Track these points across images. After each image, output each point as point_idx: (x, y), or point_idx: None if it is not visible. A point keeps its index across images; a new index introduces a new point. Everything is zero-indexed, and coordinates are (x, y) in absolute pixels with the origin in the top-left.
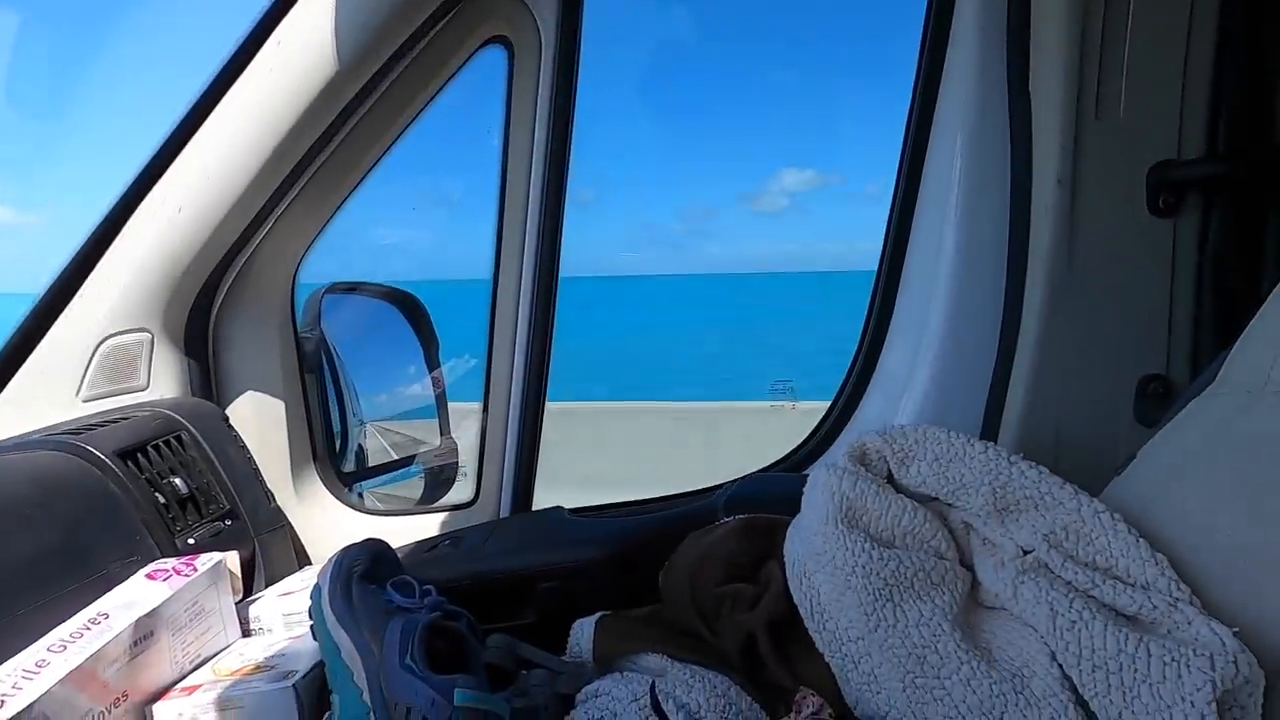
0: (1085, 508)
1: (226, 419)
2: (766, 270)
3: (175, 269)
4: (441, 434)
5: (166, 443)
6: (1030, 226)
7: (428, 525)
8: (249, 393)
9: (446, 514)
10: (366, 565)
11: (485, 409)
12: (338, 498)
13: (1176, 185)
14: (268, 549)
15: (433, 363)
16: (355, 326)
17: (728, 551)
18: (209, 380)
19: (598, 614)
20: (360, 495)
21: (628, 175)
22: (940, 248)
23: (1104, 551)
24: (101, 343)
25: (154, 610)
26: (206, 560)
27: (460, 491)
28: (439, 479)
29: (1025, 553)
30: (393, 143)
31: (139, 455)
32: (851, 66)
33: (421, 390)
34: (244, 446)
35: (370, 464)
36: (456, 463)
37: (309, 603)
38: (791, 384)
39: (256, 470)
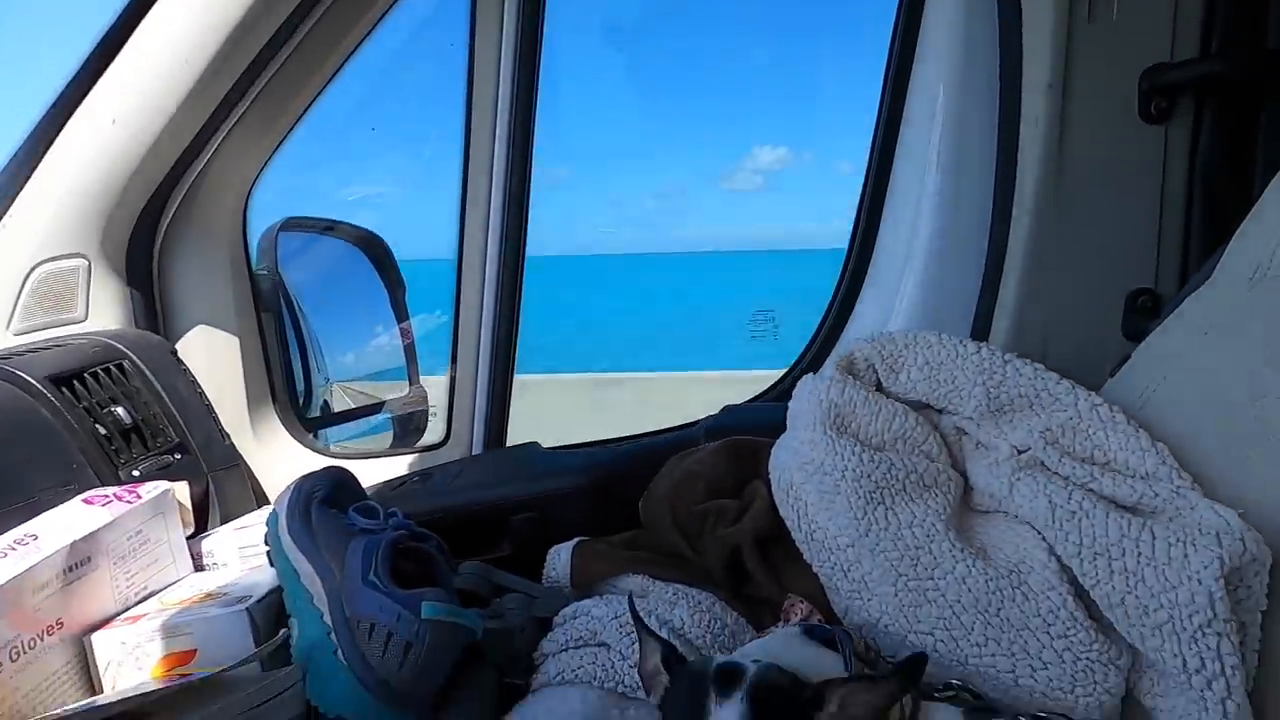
0: (1082, 402)
1: (174, 352)
2: (739, 249)
3: (111, 189)
4: (411, 383)
5: (106, 371)
6: (1019, 135)
7: (397, 467)
8: (200, 328)
9: (416, 455)
10: (327, 491)
11: (454, 344)
12: (299, 441)
13: (1169, 89)
14: (223, 486)
15: (399, 308)
16: (316, 268)
17: (710, 470)
18: (155, 313)
19: (575, 539)
20: (326, 444)
21: (602, 154)
22: (928, 157)
23: (1102, 446)
24: (33, 269)
25: (91, 535)
26: (151, 489)
27: (432, 436)
28: (409, 428)
29: (1020, 452)
30: (343, 63)
31: (75, 382)
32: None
33: (388, 337)
34: (194, 381)
35: (336, 410)
36: (426, 410)
37: (265, 532)
38: (774, 314)
39: (209, 406)
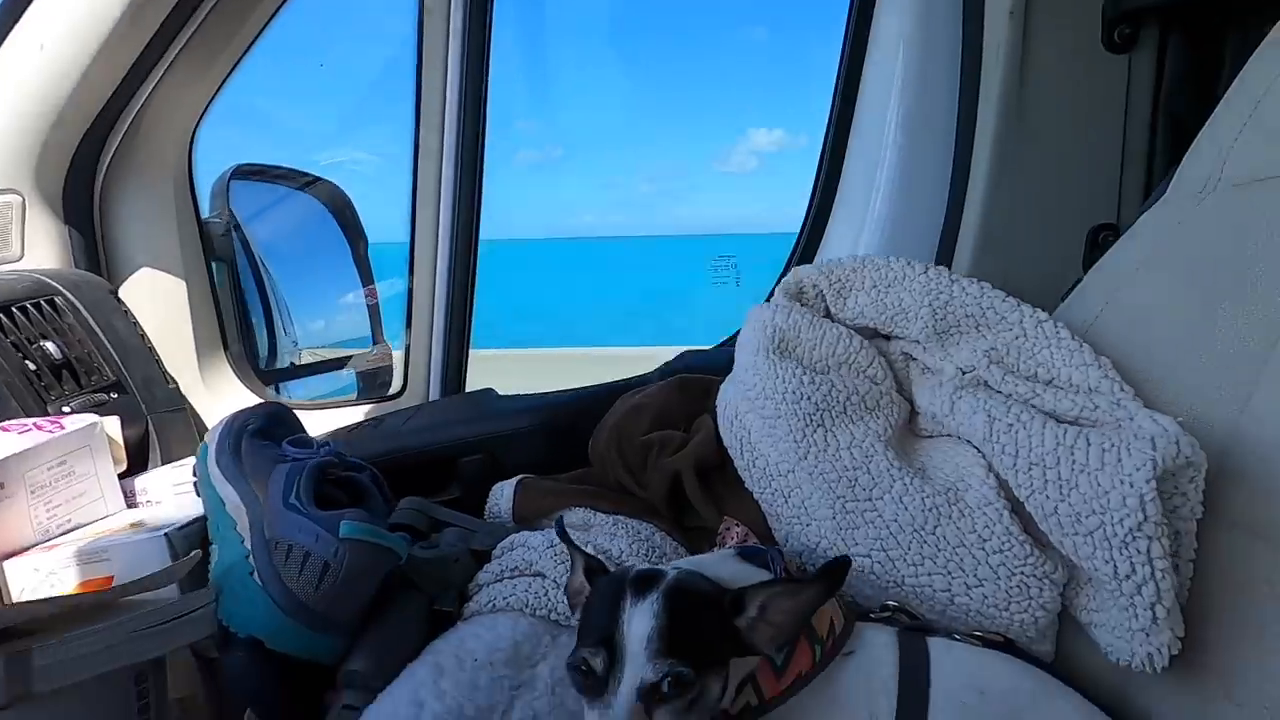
0: (1027, 319)
1: (115, 293)
2: (733, 232)
3: (42, 120)
4: (375, 341)
5: (37, 306)
6: (981, 62)
7: (354, 417)
8: (145, 271)
9: (371, 405)
10: (262, 424)
11: (410, 291)
12: (255, 393)
13: (1133, 16)
14: (165, 430)
15: (361, 262)
16: (273, 219)
17: (657, 403)
18: (96, 253)
19: (519, 476)
20: (288, 398)
21: (597, 135)
22: (892, 84)
23: (1046, 364)
24: None
25: (3, 460)
26: (78, 420)
27: (392, 390)
28: (374, 385)
29: (964, 373)
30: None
31: (3, 316)
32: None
33: (351, 292)
34: (135, 323)
35: (295, 364)
36: (391, 368)
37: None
38: (734, 260)
39: (151, 348)
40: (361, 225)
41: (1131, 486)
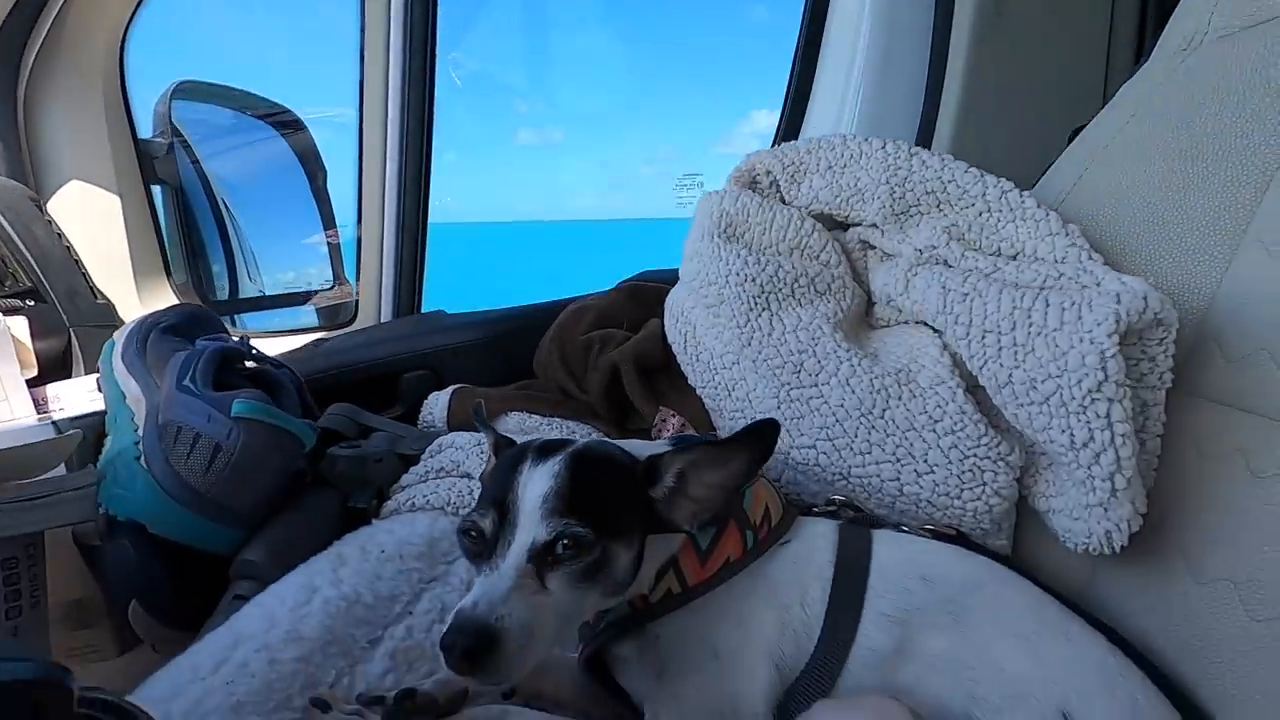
0: (990, 190)
1: (37, 202)
2: None
3: None
4: (336, 280)
5: None
6: None
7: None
8: (75, 184)
9: (322, 334)
10: (175, 321)
11: (359, 210)
12: None
13: None
14: (91, 344)
15: (320, 195)
16: (223, 145)
17: (602, 305)
18: (21, 162)
19: (455, 385)
20: (241, 329)
21: (597, 117)
22: None
23: (1010, 238)
24: None
25: None
26: None
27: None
28: (335, 322)
29: (923, 253)
30: None
31: None
32: None
33: (309, 227)
34: (60, 234)
35: (254, 297)
36: (355, 304)
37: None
38: (701, 178)
39: (77, 261)
40: (320, 156)
41: (1091, 343)
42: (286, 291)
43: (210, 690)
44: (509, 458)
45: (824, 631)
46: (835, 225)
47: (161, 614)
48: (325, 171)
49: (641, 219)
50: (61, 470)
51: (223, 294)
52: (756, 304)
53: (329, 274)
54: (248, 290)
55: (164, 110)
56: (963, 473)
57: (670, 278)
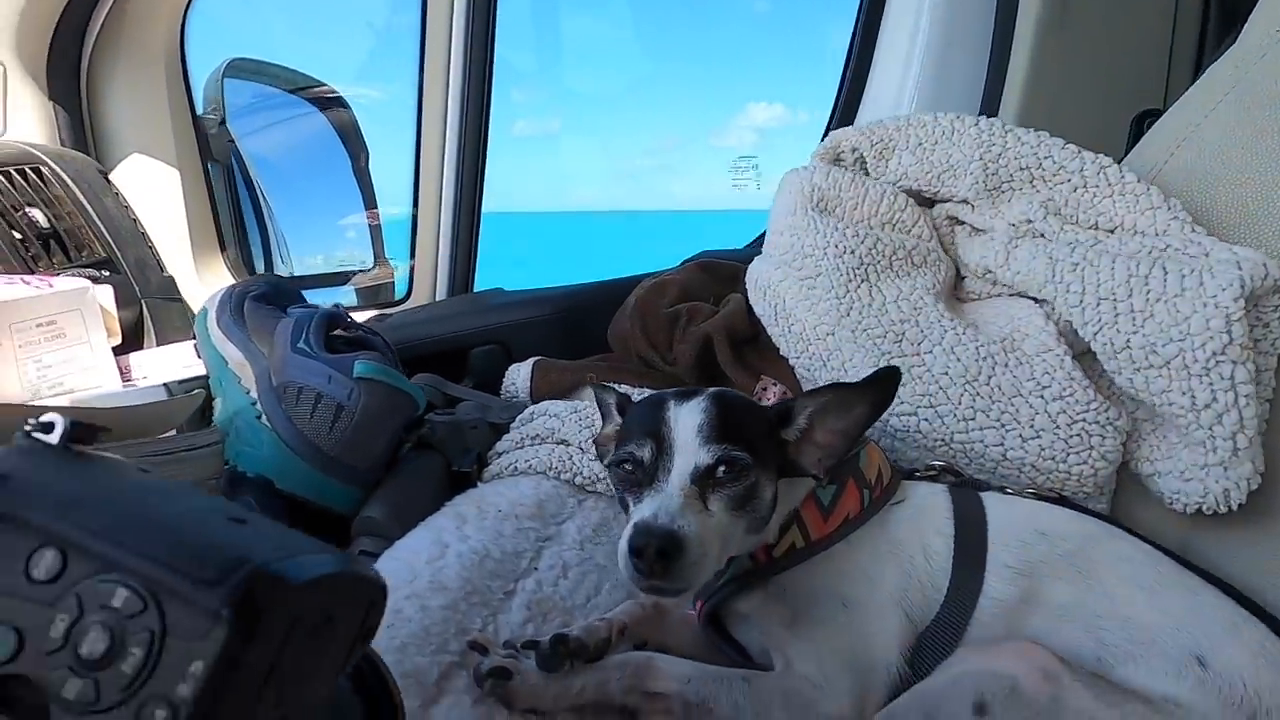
0: (1089, 166)
1: (105, 174)
2: (731, 208)
3: None
4: (377, 261)
5: (22, 174)
6: None
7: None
8: (136, 157)
9: (375, 311)
10: (264, 289)
11: (416, 187)
12: None
13: None
14: (160, 318)
15: (362, 174)
16: (269, 124)
17: (682, 280)
18: (84, 135)
19: (535, 357)
20: None
21: (594, 107)
22: None
23: (1108, 213)
24: None
25: None
26: (69, 283)
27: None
28: (376, 303)
29: (1019, 226)
30: None
31: None
32: None
33: (351, 206)
34: (127, 205)
35: (294, 274)
36: (393, 285)
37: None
38: (756, 161)
39: (144, 233)
40: (362, 137)
41: (1216, 308)
42: (327, 272)
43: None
44: (649, 401)
45: (951, 583)
46: (922, 202)
47: None
48: (367, 151)
49: (642, 210)
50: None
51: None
52: (855, 276)
53: (368, 255)
54: (280, 263)
55: (217, 89)
56: (1070, 437)
57: (734, 257)
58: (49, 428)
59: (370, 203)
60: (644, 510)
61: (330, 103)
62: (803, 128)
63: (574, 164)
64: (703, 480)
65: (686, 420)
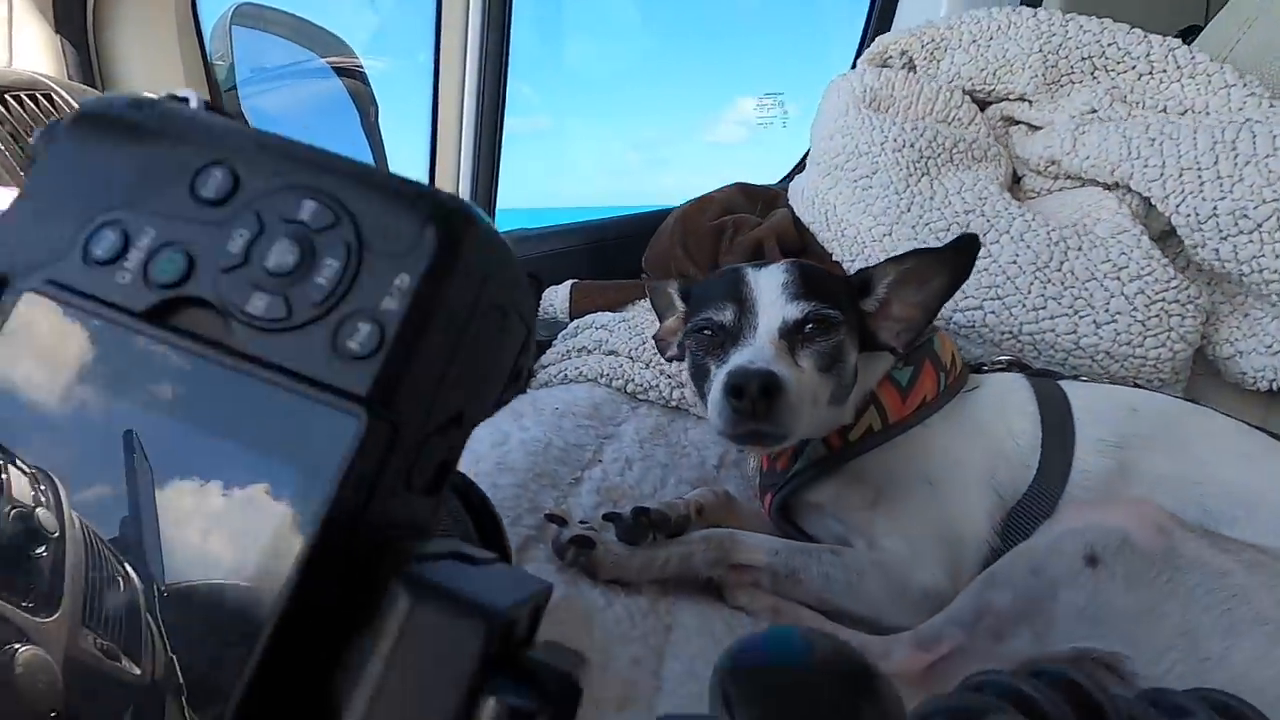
0: (1156, 49)
1: None
2: None
3: None
4: None
5: (33, 98)
6: None
7: None
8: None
9: None
10: None
11: (434, 120)
12: None
13: None
14: None
15: (372, 130)
16: (277, 74)
17: (724, 197)
18: (92, 73)
19: (571, 280)
20: None
21: (583, 102)
22: None
23: (1176, 95)
24: None
25: None
26: None
27: None
28: None
29: (1084, 115)
30: None
31: None
32: None
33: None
34: None
35: None
36: None
37: None
38: (782, 96)
39: None
40: (372, 91)
41: None
42: None
43: None
44: (723, 273)
45: (1041, 458)
46: (974, 103)
47: None
48: (377, 106)
49: (634, 207)
50: None
51: None
52: (916, 169)
53: None
54: None
55: (225, 34)
56: (1148, 319)
57: (768, 187)
58: (185, 100)
59: (382, 160)
60: (739, 357)
61: (335, 48)
62: (793, 120)
63: (563, 160)
64: (791, 335)
65: (769, 281)
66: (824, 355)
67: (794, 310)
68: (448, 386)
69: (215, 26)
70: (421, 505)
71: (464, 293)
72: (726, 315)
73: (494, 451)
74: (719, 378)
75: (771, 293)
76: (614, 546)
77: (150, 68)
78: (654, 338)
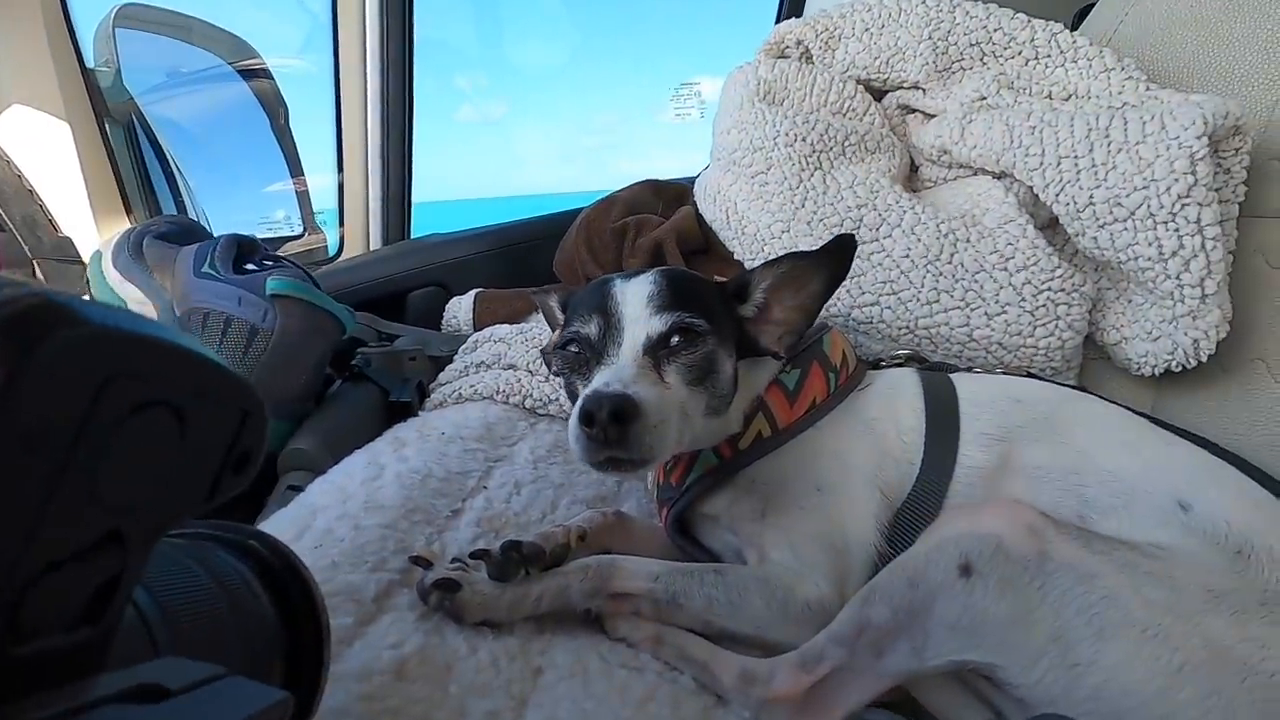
0: (1040, 34)
1: None
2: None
3: None
4: (306, 227)
5: None
6: None
7: None
8: (18, 109)
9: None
10: (167, 230)
11: (338, 135)
12: None
13: None
14: (56, 279)
15: (284, 135)
16: (170, 76)
17: (629, 196)
18: None
19: (476, 289)
20: None
21: (538, 88)
22: None
23: (1060, 81)
24: None
25: None
26: None
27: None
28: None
29: (973, 102)
30: None
31: None
32: None
33: (270, 168)
34: (8, 160)
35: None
36: (327, 247)
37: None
38: (699, 85)
39: (31, 190)
40: (280, 93)
41: (1180, 147)
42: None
43: (300, 553)
44: (593, 284)
45: (925, 454)
46: (871, 93)
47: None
48: (286, 108)
49: (594, 191)
50: None
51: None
52: (808, 164)
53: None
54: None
55: (107, 38)
56: (1036, 309)
57: (680, 181)
58: None
59: (296, 166)
60: (598, 380)
61: (238, 50)
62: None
63: (520, 147)
64: (656, 350)
65: (635, 293)
66: (692, 368)
67: (658, 324)
68: (70, 507)
69: (97, 31)
70: (70, 640)
71: (54, 404)
72: (591, 331)
73: (364, 488)
74: (576, 405)
75: (637, 306)
76: (482, 586)
77: (19, 78)
78: (542, 352)
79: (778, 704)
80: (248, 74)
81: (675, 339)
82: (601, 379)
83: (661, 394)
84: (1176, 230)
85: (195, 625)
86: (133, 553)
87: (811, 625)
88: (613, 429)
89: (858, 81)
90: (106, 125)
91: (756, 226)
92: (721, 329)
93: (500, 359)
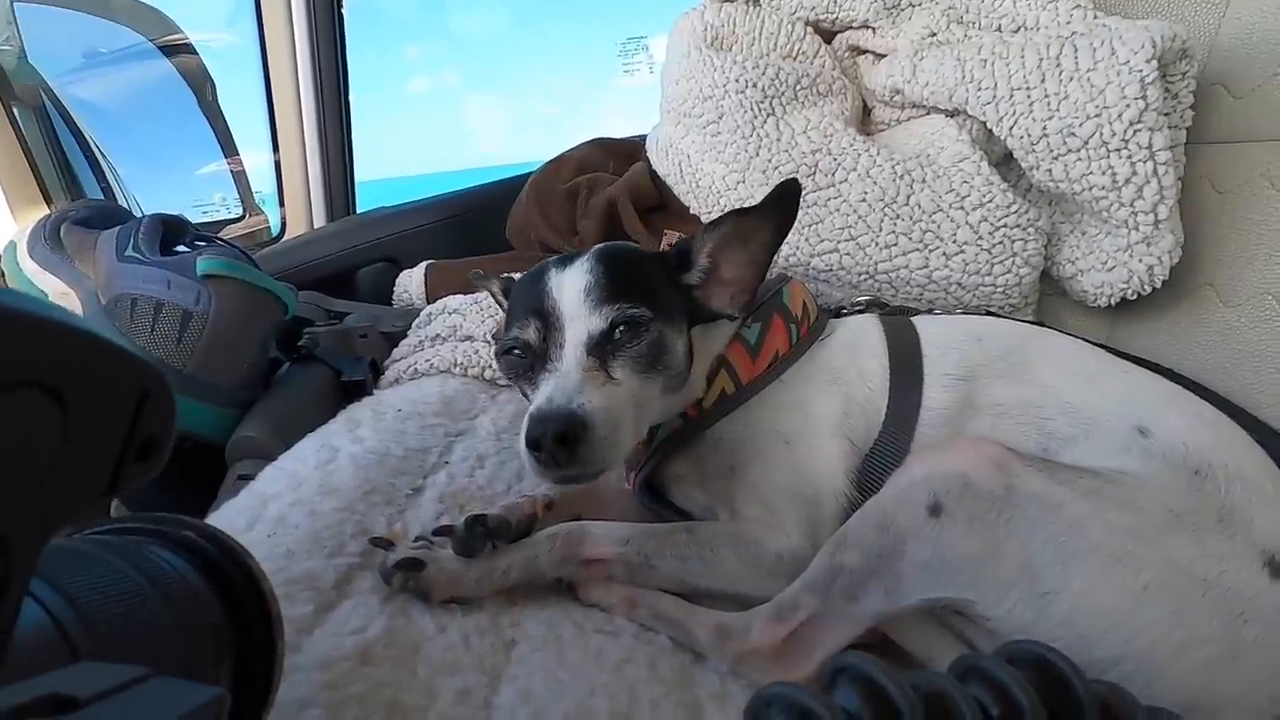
0: None
1: None
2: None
3: None
4: (246, 209)
5: None
6: None
7: None
8: None
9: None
10: (87, 214)
11: (271, 117)
12: None
13: None
14: None
15: (212, 112)
16: (87, 54)
17: (579, 155)
18: None
19: (426, 261)
20: None
21: (489, 56)
22: None
23: (1009, 13)
24: None
25: None
26: None
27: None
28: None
29: (923, 39)
30: None
31: None
32: None
33: (207, 151)
34: None
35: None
36: (269, 229)
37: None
38: (647, 40)
39: None
40: (204, 66)
41: (1130, 72)
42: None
43: (252, 544)
44: (529, 276)
45: (890, 399)
46: (821, 34)
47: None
48: (214, 84)
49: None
50: None
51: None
52: (760, 110)
53: (235, 204)
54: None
55: (6, 14)
56: (993, 246)
57: (631, 139)
58: None
59: (229, 145)
60: (541, 394)
61: (153, 23)
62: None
63: (476, 119)
64: (600, 348)
65: (571, 286)
66: (640, 359)
67: (598, 321)
68: None
69: None
70: None
71: None
72: (531, 336)
73: (317, 473)
74: (523, 424)
75: (574, 303)
76: (448, 562)
77: None
78: (492, 337)
79: (755, 656)
80: (170, 50)
81: (618, 332)
82: (545, 392)
83: (610, 396)
84: (1129, 157)
85: (122, 627)
86: (18, 554)
87: (785, 576)
88: (561, 452)
89: (806, 23)
90: (15, 109)
91: (711, 178)
92: (667, 308)
93: (456, 331)
